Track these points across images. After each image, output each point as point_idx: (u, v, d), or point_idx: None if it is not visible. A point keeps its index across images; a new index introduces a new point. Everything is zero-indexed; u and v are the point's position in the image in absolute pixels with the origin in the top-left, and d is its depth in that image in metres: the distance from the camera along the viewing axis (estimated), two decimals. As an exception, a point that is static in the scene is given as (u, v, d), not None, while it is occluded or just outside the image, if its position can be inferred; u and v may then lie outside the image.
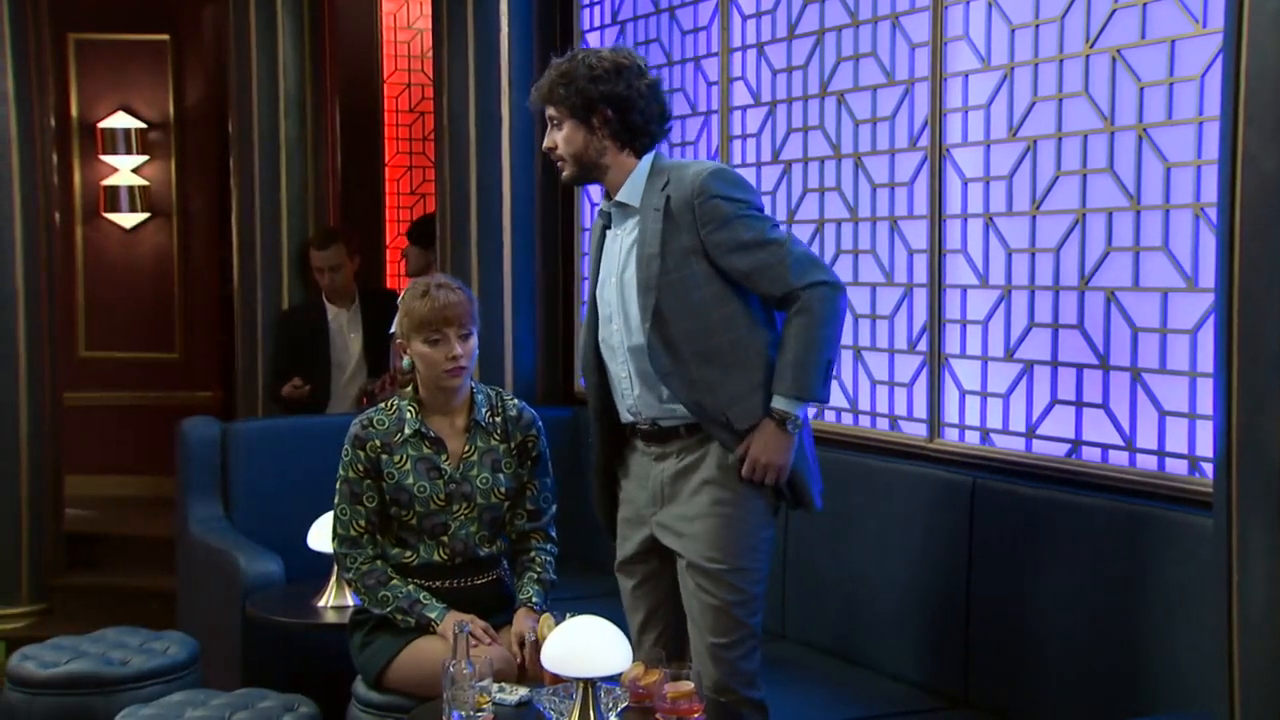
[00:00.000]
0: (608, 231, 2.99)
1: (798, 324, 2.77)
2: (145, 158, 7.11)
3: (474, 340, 3.15)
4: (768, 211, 2.97)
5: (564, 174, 2.96)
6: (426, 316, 3.08)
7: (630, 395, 2.94)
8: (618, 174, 2.91)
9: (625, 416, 2.98)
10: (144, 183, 7.12)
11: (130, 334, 7.02)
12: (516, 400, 3.29)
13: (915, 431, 3.49)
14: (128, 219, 7.13)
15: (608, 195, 2.96)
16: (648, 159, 2.92)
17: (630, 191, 2.90)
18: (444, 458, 3.15)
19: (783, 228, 2.87)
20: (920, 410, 3.47)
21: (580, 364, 3.10)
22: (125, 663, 3.49)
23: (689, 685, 2.69)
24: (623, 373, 2.94)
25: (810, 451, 2.92)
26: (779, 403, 2.79)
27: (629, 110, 2.87)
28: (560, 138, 2.91)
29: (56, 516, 5.88)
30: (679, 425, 2.89)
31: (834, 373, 2.86)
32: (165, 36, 7.04)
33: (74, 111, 7.07)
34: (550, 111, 2.92)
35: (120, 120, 7.05)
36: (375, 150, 7.23)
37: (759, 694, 2.91)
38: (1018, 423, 3.22)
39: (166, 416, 4.72)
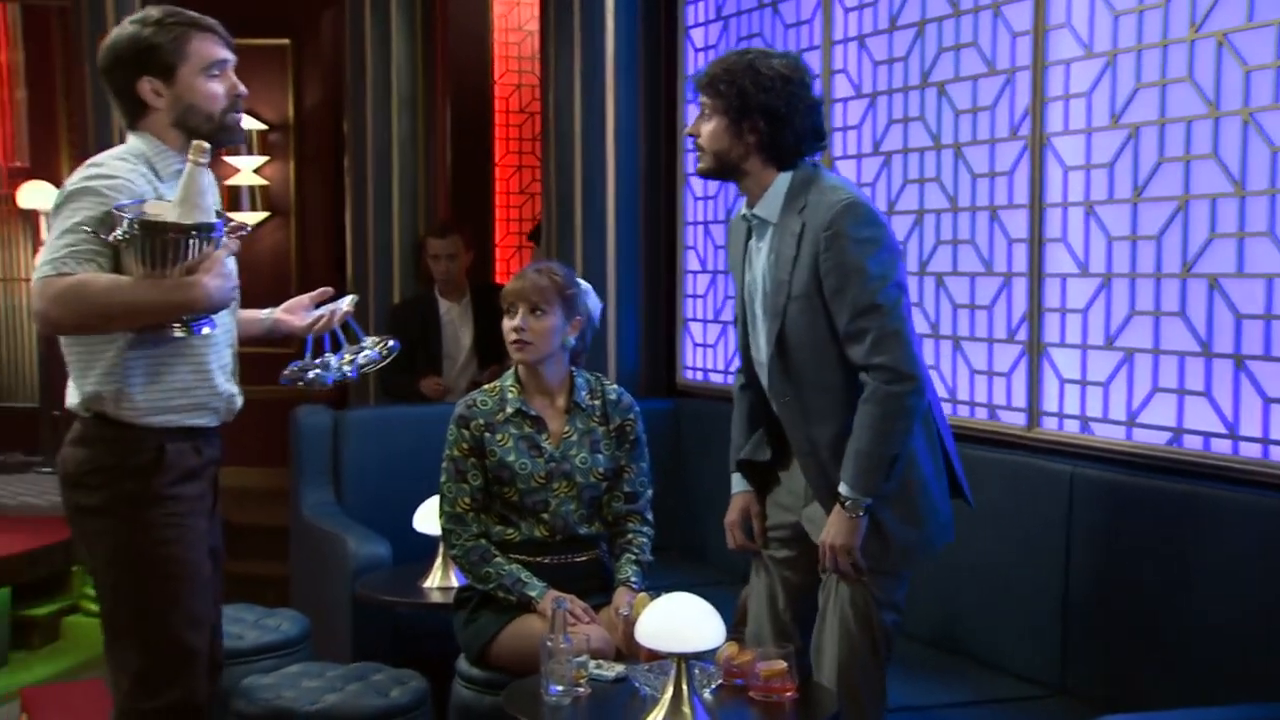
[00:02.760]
0: (750, 242, 2.90)
1: (866, 413, 2.67)
2: (265, 158, 7.33)
3: (551, 321, 3.22)
4: (894, 239, 2.81)
5: (700, 165, 2.88)
6: (506, 291, 3.27)
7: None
8: (755, 184, 2.82)
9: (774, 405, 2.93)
10: (264, 182, 7.34)
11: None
12: (615, 386, 3.39)
13: (1014, 421, 3.48)
14: (248, 217, 7.35)
15: (747, 203, 2.87)
16: (788, 175, 2.80)
17: (768, 207, 2.81)
18: (545, 437, 3.25)
19: (897, 290, 2.69)
20: (1019, 399, 3.46)
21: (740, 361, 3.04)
22: (240, 637, 3.63)
23: (782, 665, 2.73)
24: (764, 376, 2.90)
25: (927, 487, 2.77)
26: (843, 488, 2.71)
27: (782, 127, 2.76)
28: (706, 130, 2.82)
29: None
30: None
31: (898, 468, 2.72)
32: (286, 41, 7.25)
33: (200, 114, 7.30)
34: (704, 99, 2.83)
35: (243, 122, 7.27)
36: (485, 150, 7.37)
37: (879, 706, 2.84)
38: (1118, 411, 3.19)
39: (282, 410, 4.86)
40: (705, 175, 2.91)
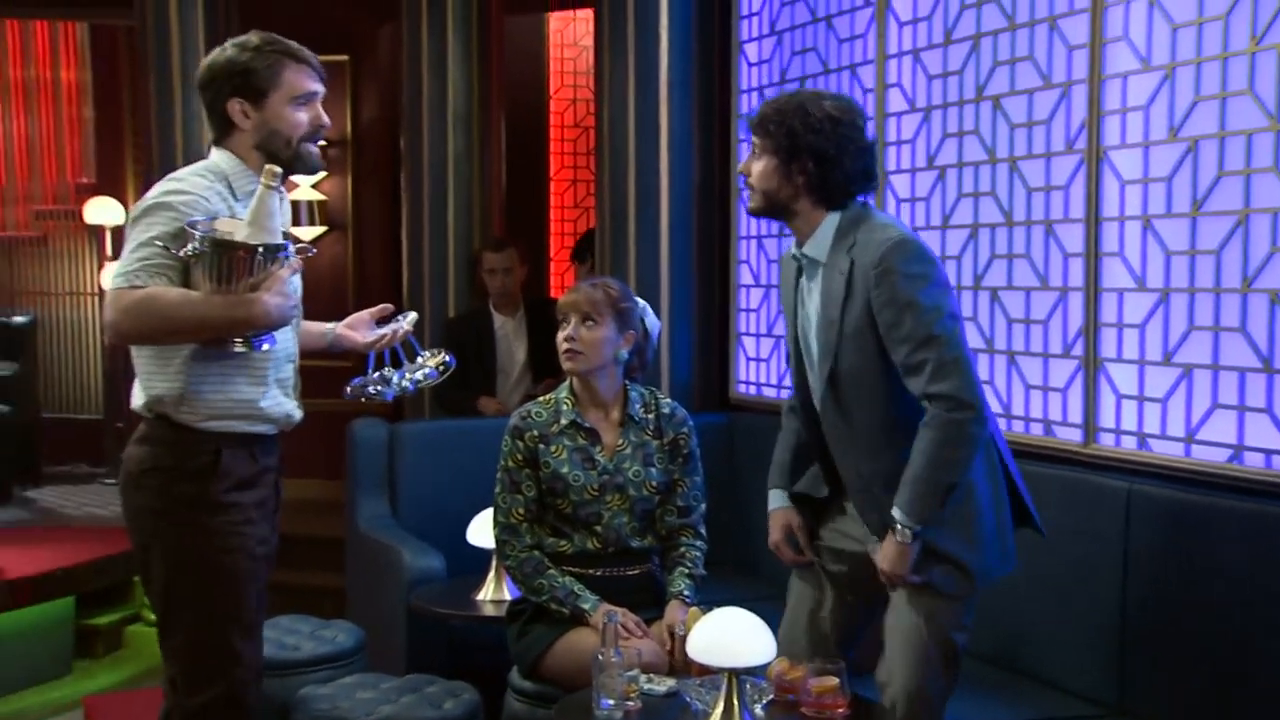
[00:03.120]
0: (801, 279, 2.92)
1: (925, 439, 2.66)
2: (324, 174, 7.41)
3: (602, 332, 3.25)
4: (946, 278, 2.80)
5: (750, 204, 2.90)
6: (560, 303, 3.31)
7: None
8: (804, 224, 2.83)
9: None
10: (322, 197, 7.42)
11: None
12: (669, 400, 3.39)
13: (1069, 437, 3.45)
14: (306, 232, 7.44)
15: (797, 242, 2.89)
16: (837, 214, 2.81)
17: (816, 246, 2.82)
18: (598, 449, 3.27)
19: (952, 320, 2.68)
20: (1075, 415, 3.43)
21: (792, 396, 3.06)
22: (297, 648, 3.67)
23: (834, 681, 2.72)
24: (818, 411, 2.91)
25: (982, 517, 2.74)
26: (895, 512, 2.70)
27: (831, 168, 2.78)
28: (756, 169, 2.84)
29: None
30: None
31: (956, 495, 2.70)
32: (344, 57, 7.33)
33: (262, 129, 7.41)
34: (755, 139, 2.86)
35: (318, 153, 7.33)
36: (540, 164, 7.41)
37: None
38: (1176, 428, 3.15)
39: (341, 423, 4.91)
40: (755, 214, 2.93)
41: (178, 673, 2.75)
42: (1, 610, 5.10)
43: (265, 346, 2.66)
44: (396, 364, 3.11)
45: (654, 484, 3.28)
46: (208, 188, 2.67)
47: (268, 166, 2.59)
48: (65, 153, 8.97)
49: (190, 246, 2.53)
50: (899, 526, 2.70)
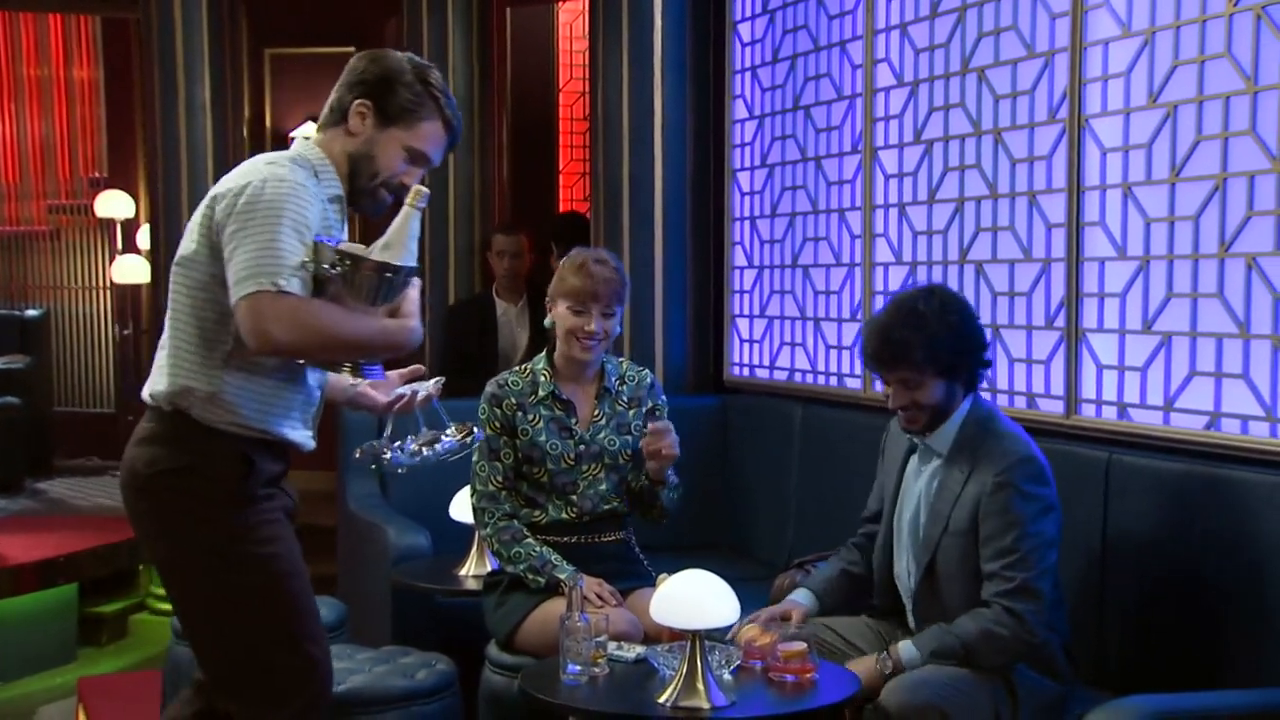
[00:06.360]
0: (912, 458, 3.01)
1: (981, 626, 2.74)
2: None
3: (615, 320, 3.25)
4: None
5: (914, 426, 2.92)
6: (577, 288, 3.22)
7: None
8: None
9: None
10: (331, 189, 7.44)
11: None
12: (644, 369, 3.40)
13: (1052, 409, 3.41)
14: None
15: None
16: (964, 410, 2.89)
17: (940, 440, 2.91)
18: (574, 420, 3.26)
19: (1048, 549, 2.77)
20: (1057, 387, 3.40)
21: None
22: (279, 622, 3.67)
23: (802, 646, 2.71)
24: (904, 593, 3.01)
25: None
26: (905, 648, 2.79)
27: (975, 358, 2.91)
28: (928, 398, 2.86)
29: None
30: None
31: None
32: (350, 49, 7.32)
33: (268, 121, 7.47)
34: (906, 375, 2.87)
35: (309, 129, 7.34)
36: (549, 156, 7.41)
37: None
38: (1155, 396, 3.12)
39: (337, 414, 4.88)
40: (924, 433, 2.92)
41: (245, 693, 2.49)
42: (5, 596, 5.14)
43: (371, 377, 2.49)
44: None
45: (629, 453, 3.28)
46: (308, 186, 2.41)
47: (416, 186, 2.40)
48: (79, 148, 9.04)
49: (328, 264, 2.33)
50: (896, 658, 2.77)
